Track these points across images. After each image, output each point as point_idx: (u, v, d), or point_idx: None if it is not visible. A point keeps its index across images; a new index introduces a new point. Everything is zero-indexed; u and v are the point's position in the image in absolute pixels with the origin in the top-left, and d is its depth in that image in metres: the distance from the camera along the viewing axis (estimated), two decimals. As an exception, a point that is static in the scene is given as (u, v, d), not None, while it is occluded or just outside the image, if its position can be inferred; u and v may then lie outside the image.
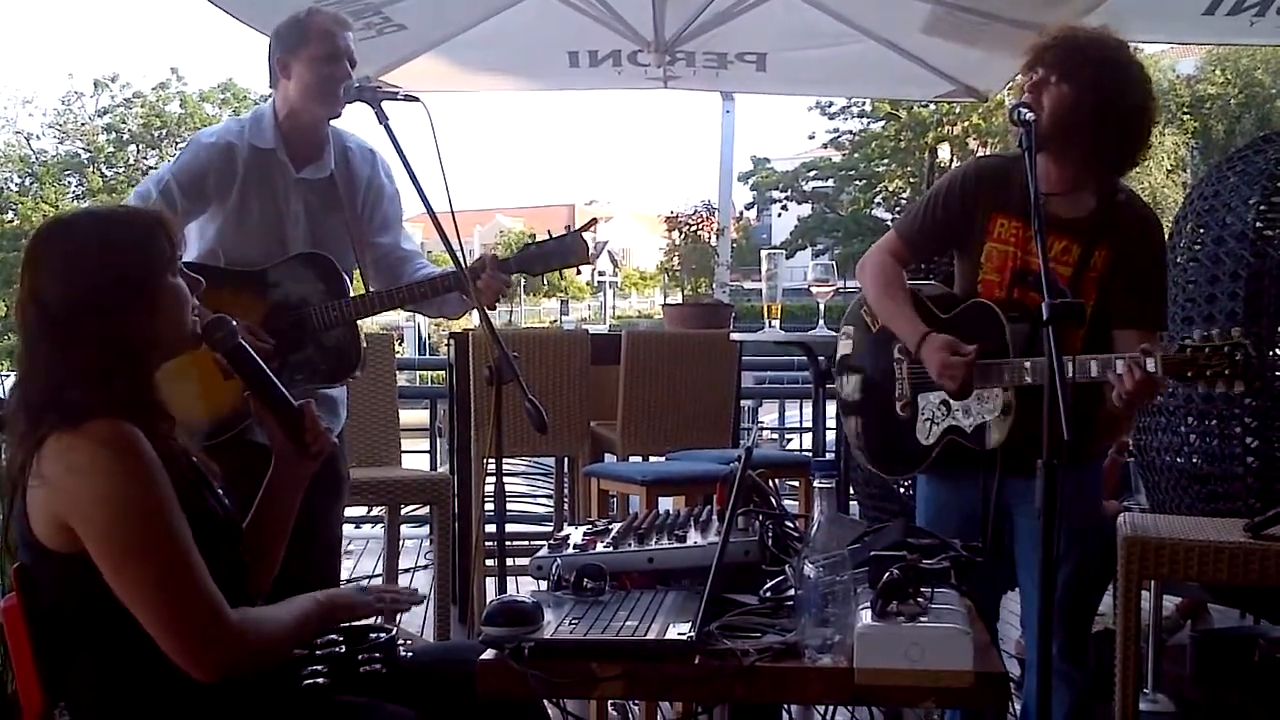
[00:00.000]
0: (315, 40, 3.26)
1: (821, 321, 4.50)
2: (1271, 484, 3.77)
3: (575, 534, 2.38)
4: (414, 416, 7.74)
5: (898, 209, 32.73)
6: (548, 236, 3.36)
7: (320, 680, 2.07)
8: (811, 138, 38.50)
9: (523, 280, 4.06)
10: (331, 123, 3.41)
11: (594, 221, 3.48)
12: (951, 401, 2.94)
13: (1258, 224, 3.86)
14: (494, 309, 3.43)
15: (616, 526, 2.39)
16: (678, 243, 6.33)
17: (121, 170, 36.93)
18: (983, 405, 2.88)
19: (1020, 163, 2.95)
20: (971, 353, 2.81)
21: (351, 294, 3.34)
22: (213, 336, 2.21)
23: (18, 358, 2.08)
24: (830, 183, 38.00)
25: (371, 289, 3.45)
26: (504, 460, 3.06)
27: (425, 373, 11.77)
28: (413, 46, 6.31)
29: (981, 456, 2.88)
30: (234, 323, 2.24)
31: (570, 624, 1.94)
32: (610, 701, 3.59)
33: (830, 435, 4.67)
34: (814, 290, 4.50)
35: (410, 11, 5.81)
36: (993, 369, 2.82)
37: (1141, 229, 2.95)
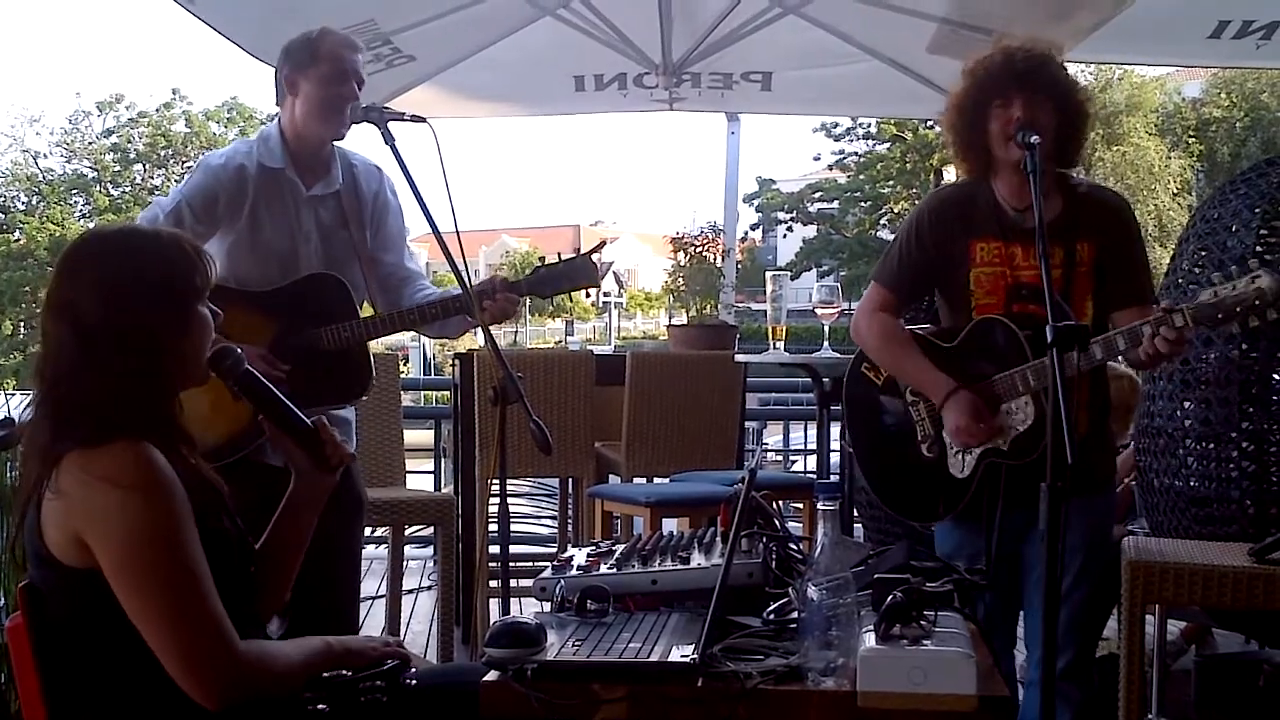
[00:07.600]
0: (325, 60, 3.26)
1: (826, 343, 4.51)
2: (1267, 508, 3.75)
3: (579, 555, 2.38)
4: (418, 436, 7.72)
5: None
6: (557, 259, 3.37)
7: (323, 706, 2.07)
8: (817, 159, 38.58)
9: (528, 301, 4.07)
10: (335, 142, 3.41)
11: (602, 244, 3.50)
12: None
13: (1258, 247, 3.86)
14: (499, 324, 3.45)
15: (620, 548, 2.40)
16: (683, 264, 6.34)
17: (127, 189, 36.89)
18: (1012, 418, 2.91)
19: (980, 185, 3.01)
20: (989, 426, 2.88)
21: (361, 315, 3.34)
22: (220, 366, 2.20)
23: (38, 369, 2.06)
24: (835, 204, 37.99)
25: (378, 307, 3.46)
26: (508, 481, 3.06)
27: (430, 393, 11.78)
28: (419, 75, 6.33)
29: (1022, 471, 2.87)
30: (239, 350, 2.24)
31: (573, 645, 1.94)
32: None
33: (834, 457, 4.67)
34: (819, 312, 4.51)
35: (419, 41, 5.83)
36: (1008, 381, 2.88)
37: (1112, 214, 3.03)
